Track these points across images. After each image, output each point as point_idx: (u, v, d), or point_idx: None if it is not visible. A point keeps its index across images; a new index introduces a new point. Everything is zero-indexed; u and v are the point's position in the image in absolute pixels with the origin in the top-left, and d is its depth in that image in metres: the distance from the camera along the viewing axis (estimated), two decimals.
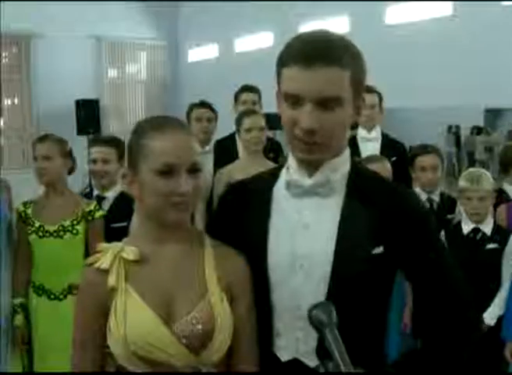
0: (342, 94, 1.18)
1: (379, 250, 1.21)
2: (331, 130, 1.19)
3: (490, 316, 2.63)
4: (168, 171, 1.20)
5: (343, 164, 1.28)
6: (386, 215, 1.22)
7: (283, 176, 1.33)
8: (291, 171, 1.30)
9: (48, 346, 2.63)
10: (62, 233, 2.62)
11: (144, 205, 1.27)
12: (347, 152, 1.30)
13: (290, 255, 1.25)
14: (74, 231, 2.64)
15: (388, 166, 2.73)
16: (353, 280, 1.21)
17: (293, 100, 1.18)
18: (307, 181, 1.26)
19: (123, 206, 2.85)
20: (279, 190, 1.32)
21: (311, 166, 1.26)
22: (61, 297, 2.63)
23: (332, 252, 1.21)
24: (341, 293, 1.20)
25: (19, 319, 2.64)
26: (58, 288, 2.63)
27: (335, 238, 1.22)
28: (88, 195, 3.00)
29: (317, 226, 1.25)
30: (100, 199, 2.92)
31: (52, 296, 2.64)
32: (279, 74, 1.24)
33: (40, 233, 2.62)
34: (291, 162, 1.30)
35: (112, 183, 2.98)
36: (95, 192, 3.01)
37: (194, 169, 1.23)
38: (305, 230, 1.25)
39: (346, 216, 1.23)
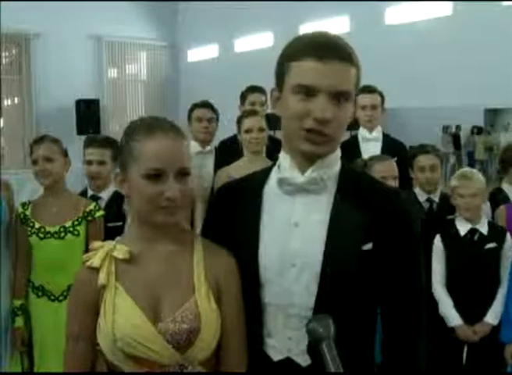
0: (351, 90, 1.23)
1: (368, 246, 1.23)
2: (340, 124, 1.23)
3: (493, 316, 2.63)
4: (155, 175, 1.21)
5: (334, 162, 1.31)
6: (375, 212, 1.24)
7: (274, 174, 1.34)
8: (282, 169, 1.31)
9: (48, 347, 2.62)
10: (63, 234, 2.61)
11: (133, 205, 1.28)
12: (338, 151, 1.33)
13: (282, 254, 1.26)
14: (75, 232, 2.63)
15: (395, 165, 2.74)
16: (343, 276, 1.22)
17: (306, 92, 1.20)
18: (300, 178, 1.27)
19: (118, 206, 2.87)
20: (270, 188, 1.33)
21: (303, 162, 1.28)
22: (61, 298, 2.62)
23: (323, 250, 1.23)
24: (332, 290, 1.22)
25: (19, 320, 2.64)
26: (58, 289, 2.62)
27: (325, 236, 1.23)
28: (83, 195, 3.01)
29: (307, 224, 1.26)
30: (95, 199, 2.93)
31: (52, 297, 2.63)
32: (283, 70, 1.25)
33: (41, 235, 2.61)
34: (282, 160, 1.32)
35: (107, 183, 2.99)
36: (90, 192, 3.02)
37: (183, 174, 1.24)
38: (296, 229, 1.27)
39: (336, 214, 1.25)
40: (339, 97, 1.20)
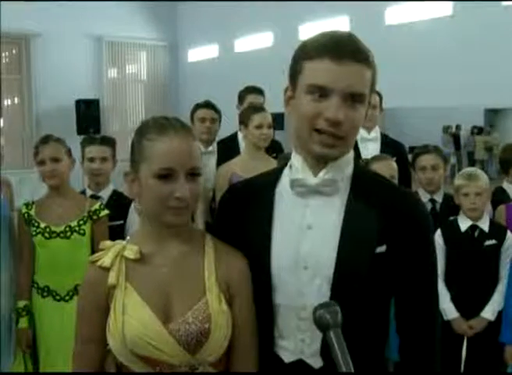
0: (365, 92, 1.20)
1: (382, 249, 1.21)
2: (352, 125, 1.20)
3: (489, 312, 2.64)
4: (166, 175, 1.20)
5: (347, 164, 1.28)
6: (389, 214, 1.22)
7: (286, 175, 1.32)
8: (294, 170, 1.29)
9: (54, 348, 2.60)
10: (68, 233, 2.60)
11: (143, 205, 1.28)
12: (351, 153, 1.30)
13: (294, 256, 1.24)
14: (81, 231, 2.62)
15: (393, 164, 2.73)
16: (356, 279, 1.21)
17: (319, 92, 1.18)
18: (313, 180, 1.25)
19: (118, 205, 2.87)
20: (282, 189, 1.31)
21: (316, 164, 1.25)
22: (67, 298, 2.61)
23: (336, 252, 1.21)
24: (344, 292, 1.20)
25: (23, 321, 2.63)
26: (63, 289, 2.61)
27: (338, 238, 1.22)
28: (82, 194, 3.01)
29: (320, 226, 1.24)
30: (95, 199, 2.93)
31: (58, 297, 2.62)
32: (298, 69, 1.23)
33: (47, 234, 2.60)
34: (294, 160, 1.30)
35: (106, 182, 3.00)
36: (88, 192, 3.02)
37: (193, 174, 1.23)
38: (309, 231, 1.25)
39: (349, 216, 1.23)
40: (352, 98, 1.18)
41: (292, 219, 1.26)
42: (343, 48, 1.16)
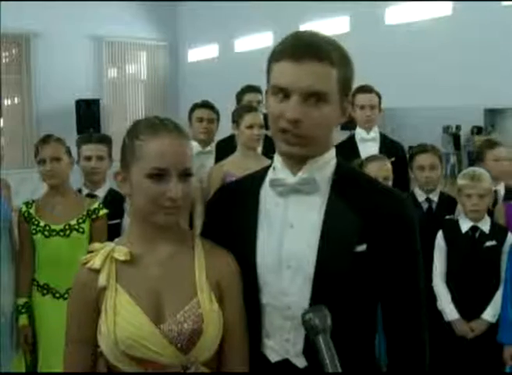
0: (328, 91, 1.20)
1: (362, 248, 1.21)
2: (314, 125, 1.20)
3: (490, 313, 2.64)
4: (158, 175, 1.21)
5: (327, 163, 1.29)
6: (370, 214, 1.22)
7: (269, 175, 1.34)
8: (276, 170, 1.31)
9: (53, 346, 2.61)
10: (68, 232, 2.62)
11: (134, 205, 1.28)
12: (332, 152, 1.32)
13: (277, 255, 1.26)
14: (81, 230, 2.64)
15: (388, 165, 2.73)
16: (336, 278, 1.21)
17: (282, 93, 1.20)
18: (291, 179, 1.27)
19: (115, 204, 2.88)
20: (266, 190, 1.33)
21: (295, 163, 1.27)
22: (66, 296, 2.62)
23: (316, 251, 1.22)
24: (326, 292, 1.21)
25: (23, 319, 2.64)
26: (63, 287, 2.62)
27: (318, 237, 1.23)
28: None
29: (301, 224, 1.25)
30: (90, 197, 2.93)
31: (57, 295, 2.63)
32: (269, 71, 1.26)
33: (46, 233, 2.62)
34: (276, 161, 1.32)
35: (102, 181, 3.01)
36: (84, 191, 3.02)
37: (186, 174, 1.24)
38: (291, 230, 1.26)
39: (329, 215, 1.24)
40: (314, 98, 1.19)
41: (275, 218, 1.28)
42: (301, 49, 1.18)
